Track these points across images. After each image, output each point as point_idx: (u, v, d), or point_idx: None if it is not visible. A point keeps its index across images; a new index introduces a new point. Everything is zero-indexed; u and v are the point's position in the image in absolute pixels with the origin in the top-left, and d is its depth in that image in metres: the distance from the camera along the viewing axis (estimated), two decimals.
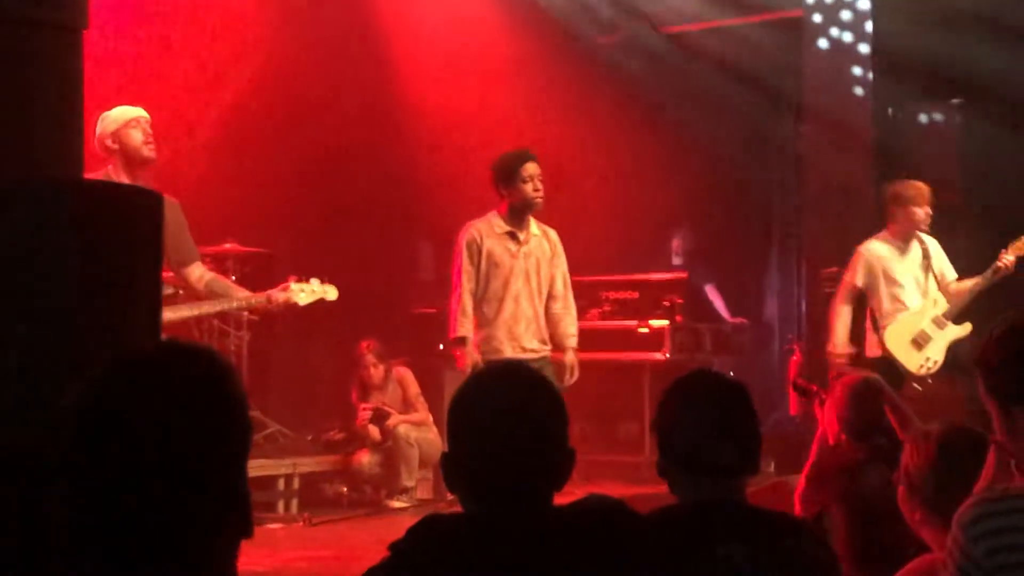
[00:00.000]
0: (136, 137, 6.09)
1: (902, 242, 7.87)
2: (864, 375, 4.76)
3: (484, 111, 10.96)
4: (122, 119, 6.11)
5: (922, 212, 7.76)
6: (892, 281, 7.84)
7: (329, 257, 10.01)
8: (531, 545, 2.19)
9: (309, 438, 9.33)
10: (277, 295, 6.45)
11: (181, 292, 6.41)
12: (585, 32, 11.57)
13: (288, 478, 8.57)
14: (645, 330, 9.99)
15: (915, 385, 7.64)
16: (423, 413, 9.06)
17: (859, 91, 9.61)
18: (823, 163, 9.63)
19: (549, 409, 2.33)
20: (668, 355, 9.80)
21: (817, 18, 10.11)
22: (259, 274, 9.52)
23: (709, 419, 2.84)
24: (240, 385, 1.76)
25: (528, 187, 7.00)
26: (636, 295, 10.31)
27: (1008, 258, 7.58)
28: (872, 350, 7.85)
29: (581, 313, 10.38)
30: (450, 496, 2.35)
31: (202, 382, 1.72)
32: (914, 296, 7.90)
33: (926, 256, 7.90)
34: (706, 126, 11.06)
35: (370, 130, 10.71)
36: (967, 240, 8.22)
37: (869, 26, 9.68)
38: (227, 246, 9.07)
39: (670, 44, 11.48)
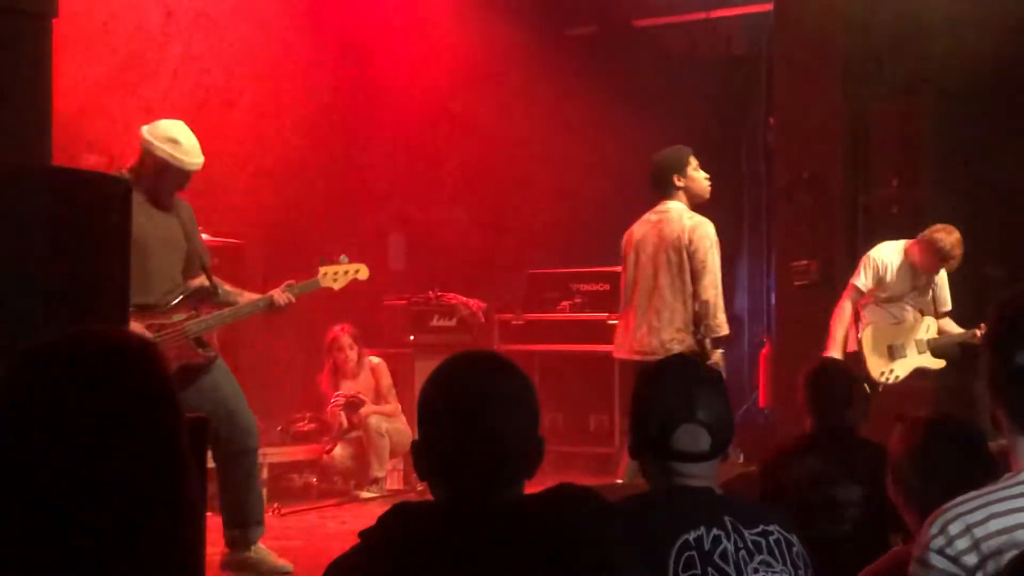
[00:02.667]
0: (179, 181, 6.07)
1: (913, 264, 7.81)
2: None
3: (458, 104, 10.97)
4: (188, 167, 6.05)
5: (948, 266, 7.75)
6: (895, 286, 7.81)
7: (299, 248, 9.99)
8: (501, 532, 2.19)
9: (279, 428, 9.31)
10: (279, 296, 6.20)
11: (211, 287, 6.20)
12: (557, 25, 11.58)
13: (272, 467, 8.55)
14: (615, 322, 9.99)
15: (864, 385, 7.65)
16: (394, 404, 9.06)
17: (829, 83, 9.64)
18: (793, 156, 9.66)
19: (519, 397, 2.32)
20: None
21: (787, 10, 10.12)
22: (229, 265, 9.48)
23: (678, 405, 2.85)
24: (162, 370, 1.73)
25: (701, 175, 7.16)
26: (607, 287, 10.33)
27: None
28: (850, 345, 7.87)
29: (552, 305, 10.44)
30: (420, 486, 2.35)
31: (112, 370, 1.69)
32: (906, 310, 7.89)
33: (929, 280, 7.87)
34: (676, 118, 11.08)
35: (342, 121, 10.70)
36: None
37: (840, 18, 9.71)
38: None
39: (640, 37, 11.50)
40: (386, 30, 10.73)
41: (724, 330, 6.94)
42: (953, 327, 7.88)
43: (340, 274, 6.56)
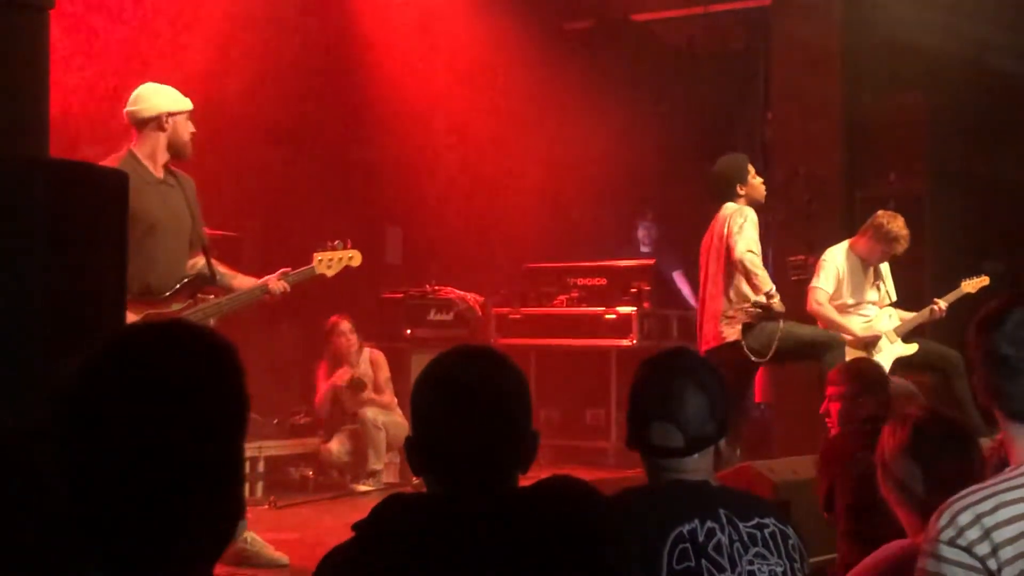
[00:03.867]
0: (187, 130, 6.03)
1: (862, 258, 7.90)
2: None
3: (453, 98, 10.96)
4: (182, 107, 6.01)
5: (897, 248, 7.82)
6: (853, 289, 7.90)
7: (296, 241, 9.98)
8: (495, 525, 2.20)
9: (275, 422, 9.31)
10: (275, 284, 6.12)
11: (207, 273, 6.11)
12: (555, 19, 11.58)
13: (254, 461, 8.55)
14: (612, 316, 10.02)
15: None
16: (390, 396, 9.07)
17: (827, 79, 9.65)
18: (790, 151, 9.67)
19: (512, 391, 2.33)
20: (635, 341, 9.83)
21: (785, 5, 10.12)
22: (227, 258, 9.47)
23: (657, 398, 2.86)
24: (239, 365, 1.73)
25: (759, 181, 7.44)
26: (604, 282, 10.33)
27: (942, 305, 7.84)
28: None
29: (548, 299, 10.45)
30: (416, 480, 2.35)
31: (202, 364, 1.68)
32: (871, 307, 7.97)
33: (877, 273, 7.97)
34: (673, 113, 11.09)
35: (339, 115, 10.69)
36: (932, 231, 8.27)
37: (838, 14, 9.71)
38: None
39: (638, 32, 11.50)
40: (383, 23, 10.72)
41: (764, 288, 7.13)
42: (906, 314, 7.97)
43: (334, 260, 6.51)
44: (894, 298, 8.04)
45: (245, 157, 10.15)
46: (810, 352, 7.33)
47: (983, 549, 2.28)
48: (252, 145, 10.18)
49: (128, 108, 5.97)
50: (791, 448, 7.90)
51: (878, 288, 7.97)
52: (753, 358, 7.21)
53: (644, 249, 11.38)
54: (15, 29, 3.70)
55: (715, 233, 7.41)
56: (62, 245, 3.30)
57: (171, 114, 5.95)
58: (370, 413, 8.82)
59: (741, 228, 7.18)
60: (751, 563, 2.72)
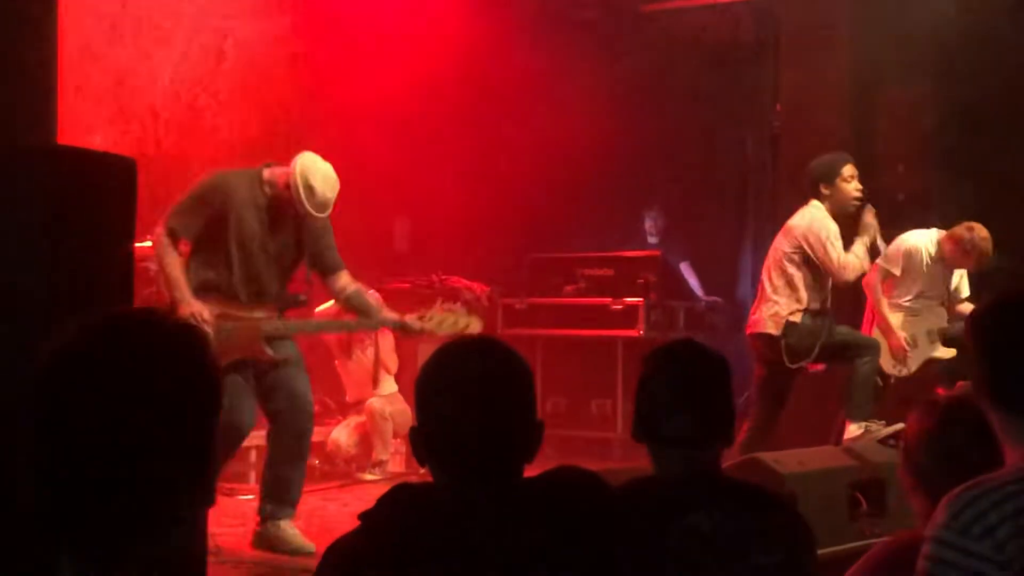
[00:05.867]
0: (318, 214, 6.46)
1: (945, 260, 7.86)
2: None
3: (461, 87, 10.94)
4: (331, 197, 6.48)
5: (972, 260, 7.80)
6: (919, 278, 7.86)
7: None
8: (500, 514, 2.19)
9: None
10: (414, 324, 6.44)
11: (303, 299, 6.56)
12: (563, 9, 11.56)
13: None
14: (619, 307, 10.01)
15: (876, 379, 7.67)
16: (392, 366, 9.07)
17: (836, 70, 9.62)
18: (799, 142, 9.64)
19: (516, 380, 2.32)
20: (642, 332, 9.82)
21: None
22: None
23: (668, 389, 2.86)
24: (212, 353, 1.74)
25: (851, 186, 7.30)
26: (611, 272, 10.32)
27: None
28: (865, 330, 7.89)
29: (556, 290, 10.44)
30: (422, 469, 2.34)
31: (174, 348, 1.70)
32: (928, 300, 7.92)
33: (949, 269, 7.92)
34: (683, 105, 11.07)
35: (345, 103, 10.67)
36: (941, 224, 8.23)
37: (847, 4, 9.69)
38: None
39: (646, 22, 11.47)
40: (389, 12, 10.70)
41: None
42: (968, 308, 7.90)
43: (449, 323, 6.58)
44: (966, 294, 8.00)
45: (250, 149, 10.14)
46: (844, 355, 7.21)
47: (987, 541, 2.28)
48: (260, 137, 10.17)
49: (298, 160, 6.42)
50: (795, 441, 7.88)
51: (947, 280, 7.92)
52: (788, 361, 7.11)
53: (651, 240, 11.36)
54: (22, 12, 3.69)
55: (787, 227, 7.35)
56: (68, 232, 3.30)
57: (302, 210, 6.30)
58: (377, 404, 8.83)
59: (819, 245, 7.13)
60: (758, 555, 2.71)
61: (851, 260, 7.12)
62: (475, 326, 6.58)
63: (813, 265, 7.17)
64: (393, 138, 10.94)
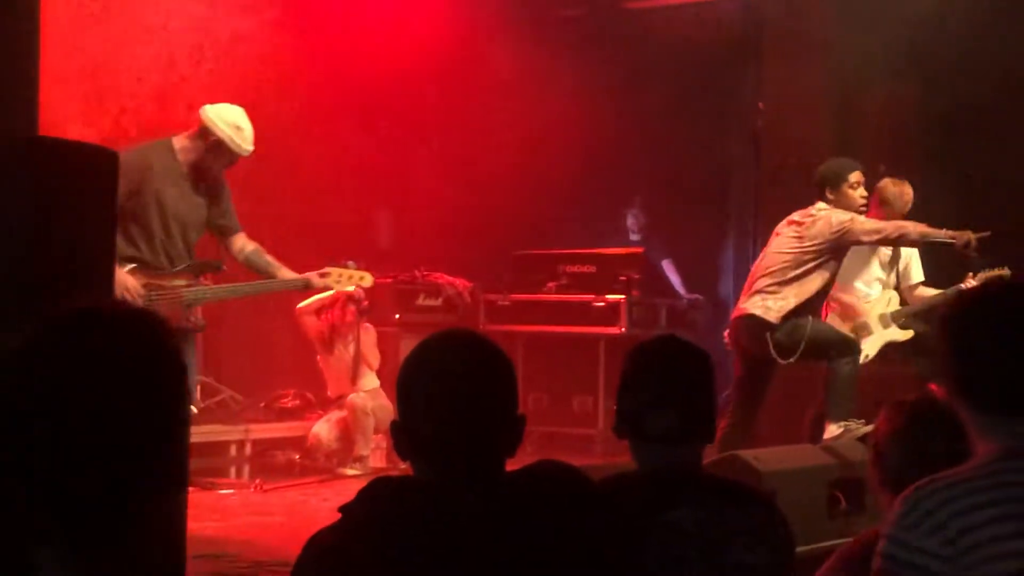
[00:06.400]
0: (222, 165, 6.84)
1: None
2: None
3: (443, 83, 10.94)
4: (242, 151, 6.81)
5: (898, 209, 7.81)
6: (858, 267, 7.87)
7: (284, 225, 9.96)
8: (481, 508, 2.19)
9: (262, 404, 9.31)
10: (316, 280, 6.83)
11: (221, 264, 6.81)
12: (548, 6, 11.56)
13: (240, 444, 8.55)
14: (601, 304, 10.02)
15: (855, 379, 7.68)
16: (374, 361, 9.07)
17: (819, 69, 9.65)
18: (781, 140, 9.66)
19: (497, 375, 2.33)
20: (624, 330, 9.83)
21: None
22: (211, 246, 9.46)
23: (651, 385, 2.87)
24: (180, 353, 1.75)
25: (857, 194, 7.32)
26: (593, 269, 10.33)
27: (972, 284, 7.52)
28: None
29: (538, 286, 10.44)
30: (403, 464, 2.34)
31: (143, 345, 1.70)
32: (873, 286, 7.95)
33: (895, 253, 7.95)
34: (665, 103, 11.07)
35: (328, 99, 10.66)
36: (922, 220, 8.26)
37: (831, 4, 9.71)
38: None
39: (630, 19, 11.48)
40: (373, 9, 10.69)
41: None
42: (925, 293, 7.97)
43: (345, 278, 7.12)
44: (919, 279, 8.03)
45: None
46: (824, 353, 7.17)
47: (936, 536, 2.29)
48: None
49: (211, 114, 6.69)
50: (777, 438, 7.91)
51: (892, 265, 7.95)
52: (777, 356, 7.10)
53: (633, 237, 11.37)
54: (6, 5, 3.67)
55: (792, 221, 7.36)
56: (49, 223, 3.29)
57: (230, 150, 6.70)
58: (359, 399, 8.82)
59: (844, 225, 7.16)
60: (740, 551, 2.72)
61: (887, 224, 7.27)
62: (367, 280, 7.24)
63: (830, 262, 7.19)
64: (375, 132, 10.94)
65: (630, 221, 11.45)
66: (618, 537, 2.33)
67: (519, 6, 10.94)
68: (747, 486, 3.01)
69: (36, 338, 1.68)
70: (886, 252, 7.97)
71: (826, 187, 7.32)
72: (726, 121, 11.17)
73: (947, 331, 2.50)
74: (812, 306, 7.22)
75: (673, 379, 2.86)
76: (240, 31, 9.91)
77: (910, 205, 7.88)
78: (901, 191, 7.87)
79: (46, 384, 1.63)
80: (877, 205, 7.82)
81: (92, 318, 1.72)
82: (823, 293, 7.30)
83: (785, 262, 7.20)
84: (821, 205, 7.29)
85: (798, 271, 7.16)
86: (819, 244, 7.17)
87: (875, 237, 7.26)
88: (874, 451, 3.09)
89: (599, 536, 2.24)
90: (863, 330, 7.80)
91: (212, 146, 6.62)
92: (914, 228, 7.24)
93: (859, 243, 7.30)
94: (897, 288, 8.09)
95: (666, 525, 2.68)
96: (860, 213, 7.31)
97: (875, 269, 7.95)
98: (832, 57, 9.60)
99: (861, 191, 7.34)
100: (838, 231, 7.14)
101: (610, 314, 9.96)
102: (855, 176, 7.33)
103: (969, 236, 7.07)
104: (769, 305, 7.13)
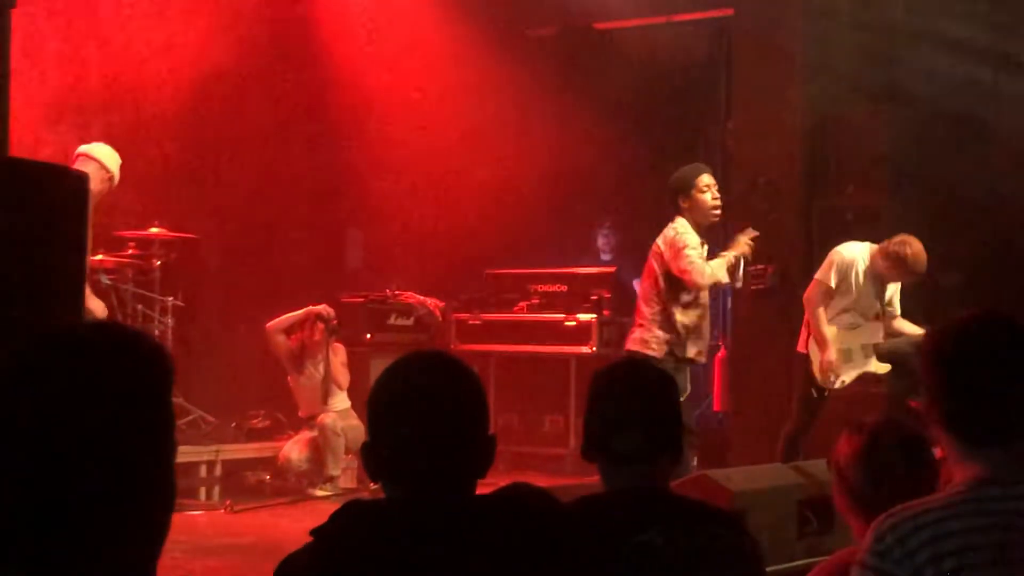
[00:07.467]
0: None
1: (881, 273, 7.79)
2: None
3: (415, 102, 10.96)
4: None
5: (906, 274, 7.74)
6: (851, 291, 7.80)
7: (255, 244, 9.95)
8: (452, 530, 2.20)
9: (233, 425, 9.28)
10: None
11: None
12: (519, 26, 11.59)
13: (210, 465, 8.52)
14: (572, 323, 10.04)
15: (812, 391, 7.69)
16: (343, 381, 9.07)
17: (788, 89, 9.70)
18: (751, 161, 9.71)
19: (467, 395, 2.33)
20: (595, 349, 9.85)
21: (747, 16, 10.15)
22: (185, 260, 9.44)
23: (614, 407, 2.89)
24: (171, 375, 1.73)
25: (706, 196, 7.19)
26: (564, 288, 10.36)
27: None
28: (801, 345, 7.88)
29: (509, 305, 10.45)
30: (374, 485, 2.34)
31: (134, 368, 1.68)
32: (863, 314, 7.89)
33: (884, 283, 7.85)
34: (635, 121, 11.12)
35: (300, 115, 10.67)
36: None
37: (800, 24, 9.76)
38: (153, 230, 8.96)
39: (601, 40, 11.53)
40: (347, 28, 10.70)
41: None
42: (908, 327, 7.86)
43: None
44: (898, 311, 7.95)
45: (204, 160, 10.11)
46: None
47: (907, 564, 2.31)
48: (212, 148, 10.15)
49: (96, 152, 7.34)
50: (748, 457, 7.93)
51: (881, 295, 7.89)
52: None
53: (604, 257, 11.40)
54: None
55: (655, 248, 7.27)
56: (18, 243, 3.28)
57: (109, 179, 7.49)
58: (329, 420, 8.80)
59: (678, 253, 7.06)
60: (709, 571, 2.73)
61: (698, 265, 7.08)
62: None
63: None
64: (346, 151, 10.95)
65: (601, 241, 11.49)
66: (589, 560, 2.34)
67: (489, 26, 10.97)
68: (716, 507, 3.02)
69: (24, 356, 1.66)
70: (873, 281, 7.87)
71: (679, 196, 7.24)
72: (696, 141, 11.23)
73: (930, 363, 2.52)
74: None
75: (635, 399, 2.88)
76: (201, 52, 9.89)
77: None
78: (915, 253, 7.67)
79: (32, 404, 1.61)
80: (895, 268, 7.68)
81: (83, 337, 1.70)
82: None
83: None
84: (679, 220, 7.21)
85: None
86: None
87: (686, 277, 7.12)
88: (837, 475, 3.10)
89: (570, 560, 2.25)
90: (846, 357, 7.78)
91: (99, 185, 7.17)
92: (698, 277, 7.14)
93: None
94: (882, 317, 8.03)
95: (637, 547, 2.69)
96: (715, 215, 7.26)
97: (870, 297, 7.87)
98: (801, 76, 9.65)
99: (712, 193, 7.23)
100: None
101: (581, 333, 9.97)
102: (704, 179, 7.24)
103: (744, 249, 7.22)
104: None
